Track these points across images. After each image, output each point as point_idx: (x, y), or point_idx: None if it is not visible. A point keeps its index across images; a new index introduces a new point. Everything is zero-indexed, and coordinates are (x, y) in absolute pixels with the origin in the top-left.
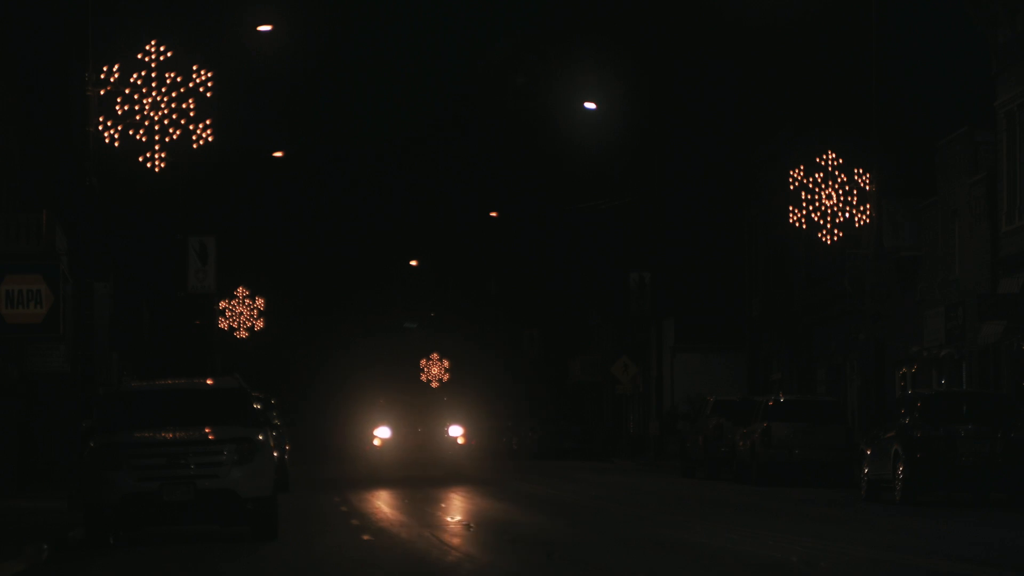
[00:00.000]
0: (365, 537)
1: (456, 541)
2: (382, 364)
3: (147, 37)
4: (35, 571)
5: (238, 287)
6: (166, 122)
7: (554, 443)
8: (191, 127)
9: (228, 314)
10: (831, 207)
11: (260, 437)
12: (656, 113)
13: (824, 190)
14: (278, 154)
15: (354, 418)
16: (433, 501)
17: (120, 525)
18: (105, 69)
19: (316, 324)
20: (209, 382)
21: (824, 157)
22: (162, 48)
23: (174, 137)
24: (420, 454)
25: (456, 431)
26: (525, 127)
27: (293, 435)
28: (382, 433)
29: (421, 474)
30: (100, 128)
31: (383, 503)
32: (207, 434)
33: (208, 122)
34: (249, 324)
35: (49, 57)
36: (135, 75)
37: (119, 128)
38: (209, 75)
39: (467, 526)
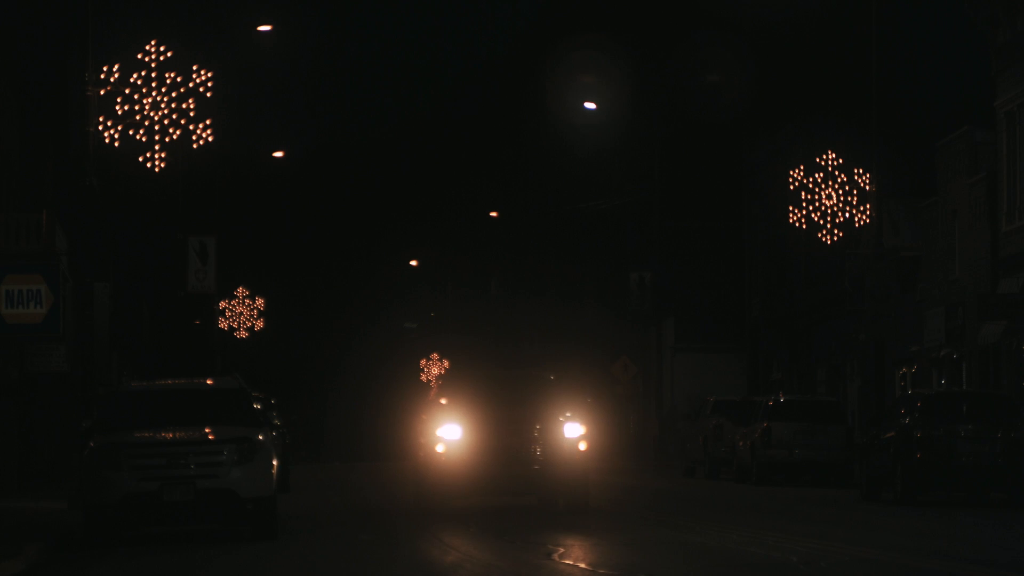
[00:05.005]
0: (364, 536)
1: None
2: (382, 364)
3: (147, 37)
4: (35, 571)
5: (238, 287)
6: (166, 122)
7: None
8: (191, 127)
9: (228, 314)
10: (831, 207)
11: (260, 437)
12: (657, 112)
13: (824, 190)
14: (278, 154)
15: (394, 410)
16: None
17: (120, 525)
18: (105, 69)
19: (316, 324)
20: (209, 382)
21: (824, 157)
22: (162, 48)
23: (174, 137)
24: (514, 468)
25: (575, 430)
26: (525, 127)
27: (296, 437)
28: (449, 433)
29: (513, 502)
30: (100, 128)
31: None
32: (207, 434)
33: (208, 122)
34: (249, 324)
35: (49, 57)
36: (135, 75)
37: (119, 128)
38: (209, 75)
39: None
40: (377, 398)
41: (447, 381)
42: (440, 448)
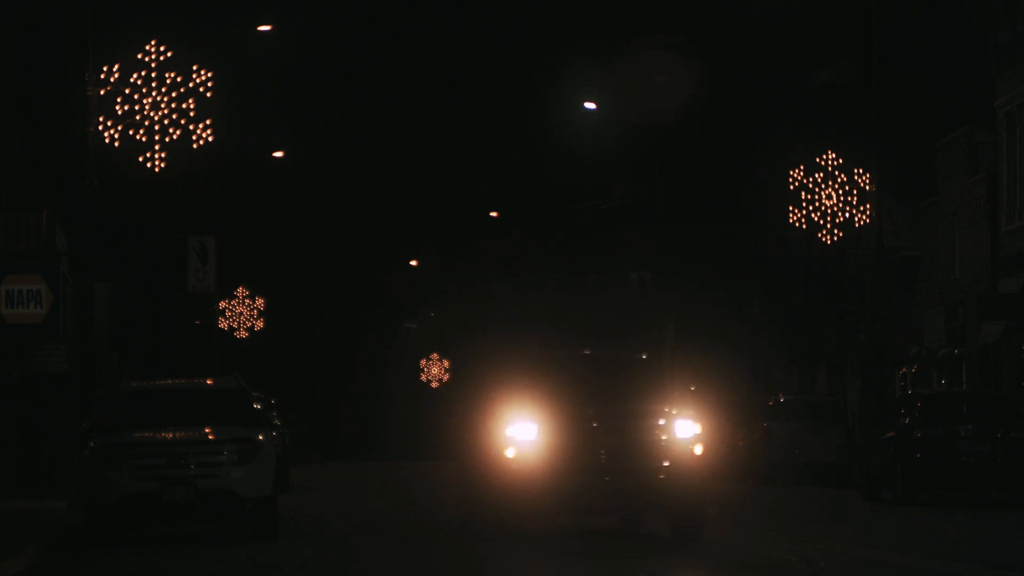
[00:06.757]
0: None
1: None
2: (381, 364)
3: (147, 37)
4: (35, 571)
5: (238, 287)
6: (166, 122)
7: None
8: (191, 127)
9: (228, 314)
10: (831, 207)
11: (260, 437)
12: (656, 111)
13: (824, 190)
14: (278, 154)
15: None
16: None
17: (120, 525)
18: (105, 69)
19: (315, 324)
20: (209, 382)
21: (824, 157)
22: (162, 48)
23: (174, 137)
24: (619, 480)
25: (688, 429)
26: (525, 126)
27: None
28: (522, 433)
29: (604, 525)
30: (100, 128)
31: None
32: (207, 434)
33: (208, 122)
34: (249, 324)
35: (49, 57)
36: (135, 75)
37: (119, 128)
38: (209, 75)
39: None
40: (378, 399)
41: (510, 366)
42: (510, 452)
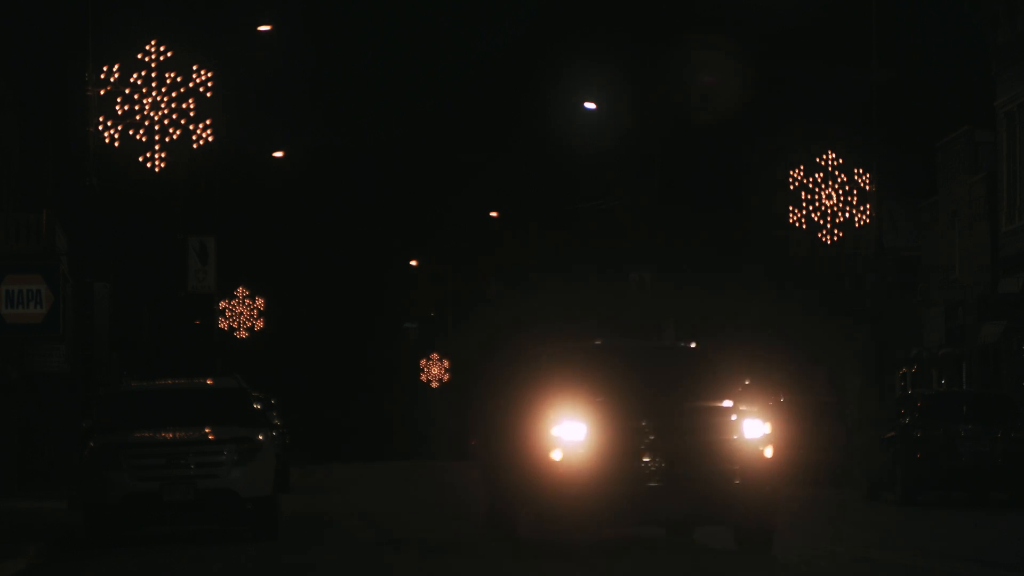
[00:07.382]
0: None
1: None
2: (381, 364)
3: (147, 37)
4: (35, 571)
5: (238, 287)
6: (166, 122)
7: None
8: (191, 127)
9: (228, 314)
10: (831, 207)
11: (260, 437)
12: (656, 111)
13: (824, 190)
14: (278, 154)
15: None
16: None
17: (120, 525)
18: (105, 69)
19: (315, 324)
20: (209, 382)
21: (824, 157)
22: (162, 48)
23: (174, 137)
24: (684, 485)
25: (756, 428)
26: (525, 126)
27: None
28: (570, 433)
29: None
30: (100, 128)
31: None
32: (207, 434)
33: (208, 122)
34: (249, 324)
35: (49, 57)
36: (135, 75)
37: (119, 128)
38: (209, 75)
39: None
40: (378, 399)
41: (553, 359)
42: (557, 455)
